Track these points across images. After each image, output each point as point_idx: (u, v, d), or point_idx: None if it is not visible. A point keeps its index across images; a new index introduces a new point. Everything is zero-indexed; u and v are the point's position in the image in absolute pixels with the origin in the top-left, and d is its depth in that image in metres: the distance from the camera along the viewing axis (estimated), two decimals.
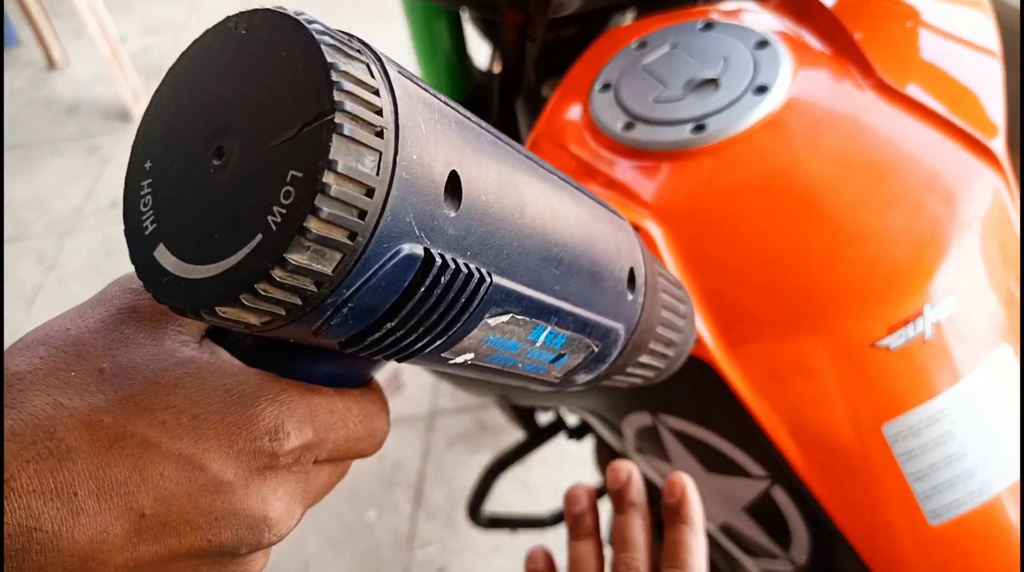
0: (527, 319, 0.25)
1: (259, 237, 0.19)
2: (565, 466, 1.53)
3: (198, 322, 0.26)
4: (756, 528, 0.52)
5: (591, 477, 1.26)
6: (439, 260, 0.21)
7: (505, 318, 0.24)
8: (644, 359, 0.33)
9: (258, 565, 0.27)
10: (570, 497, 0.42)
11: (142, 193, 0.22)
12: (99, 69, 2.53)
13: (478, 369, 0.27)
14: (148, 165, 0.22)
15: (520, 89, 0.72)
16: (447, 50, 0.84)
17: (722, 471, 0.51)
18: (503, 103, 0.73)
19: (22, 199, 2.21)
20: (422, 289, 0.21)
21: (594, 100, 0.56)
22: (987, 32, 0.57)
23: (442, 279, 0.21)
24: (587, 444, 1.18)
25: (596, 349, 0.30)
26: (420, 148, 0.20)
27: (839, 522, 0.47)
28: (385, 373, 1.72)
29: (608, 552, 0.42)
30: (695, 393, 0.48)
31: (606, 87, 0.56)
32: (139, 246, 0.22)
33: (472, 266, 0.22)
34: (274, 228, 0.19)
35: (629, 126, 0.53)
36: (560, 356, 0.29)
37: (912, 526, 0.46)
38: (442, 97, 0.23)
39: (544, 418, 0.98)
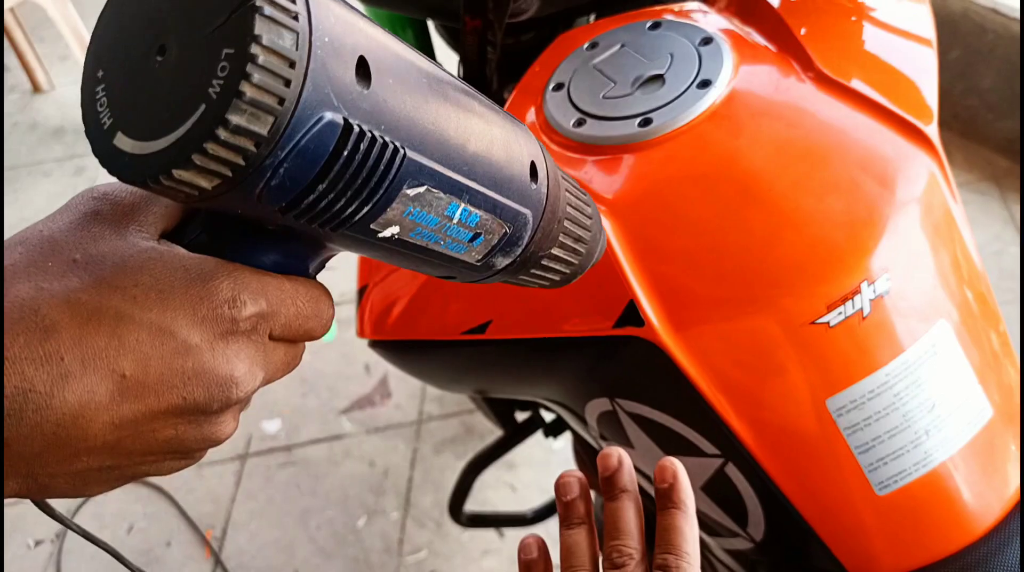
0: (442, 194, 0.29)
1: (203, 106, 0.23)
2: (551, 467, 1.55)
3: (156, 223, 0.30)
4: (714, 507, 0.54)
5: None
6: (356, 129, 0.25)
7: (422, 189, 0.28)
8: (556, 252, 0.38)
9: (228, 428, 0.30)
10: (561, 485, 0.42)
11: (97, 97, 0.26)
12: None
13: (406, 247, 0.31)
14: (100, 74, 0.26)
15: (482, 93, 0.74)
16: None
17: (679, 452, 0.53)
18: None
19: (10, 221, 2.23)
20: (345, 153, 0.25)
21: (548, 100, 0.58)
22: (924, 22, 0.59)
23: (361, 146, 0.25)
24: (572, 447, 1.19)
25: (508, 231, 0.34)
26: (331, 33, 0.24)
27: (791, 496, 0.49)
28: (373, 381, 1.74)
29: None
30: (647, 376, 0.50)
31: (559, 87, 0.58)
32: (100, 139, 0.25)
33: (387, 138, 0.26)
34: (215, 96, 0.23)
35: (580, 123, 0.55)
36: (477, 235, 0.33)
37: (861, 497, 0.48)
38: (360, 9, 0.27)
39: (521, 416, 0.99)
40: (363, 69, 0.25)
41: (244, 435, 1.68)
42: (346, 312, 1.85)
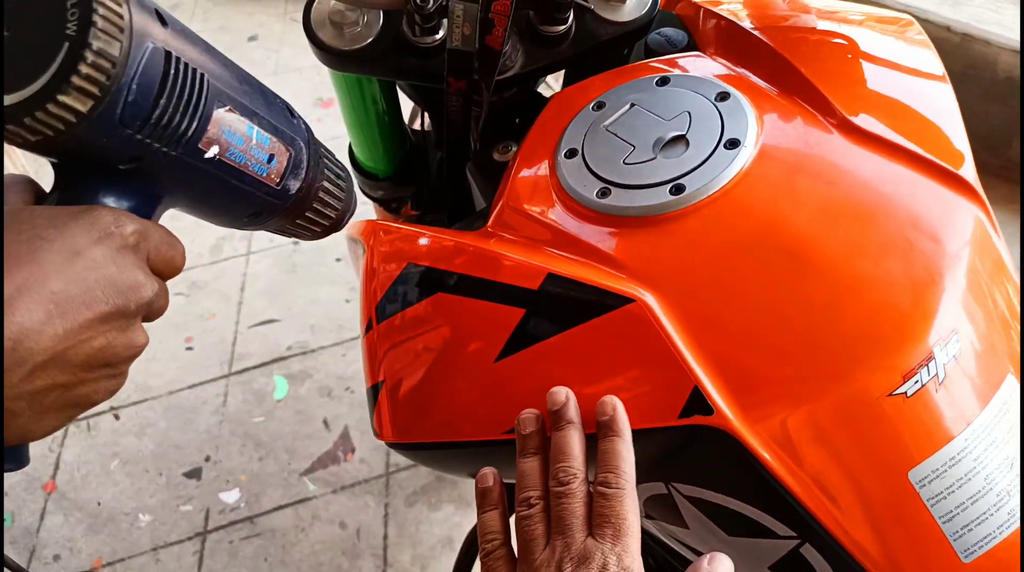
0: (239, 116, 0.39)
1: (67, 43, 0.32)
2: None
3: (29, 191, 0.38)
4: None
5: None
6: (174, 55, 0.36)
7: (225, 109, 0.38)
8: (327, 185, 0.48)
9: (143, 335, 0.37)
10: (521, 420, 0.47)
11: None
12: None
13: (225, 170, 0.40)
14: None
15: (467, 155, 0.69)
16: (380, 117, 0.81)
17: (745, 534, 0.50)
18: (452, 171, 0.71)
19: None
20: (172, 72, 0.35)
21: (561, 167, 0.54)
22: (930, 57, 0.58)
23: (180, 68, 0.36)
24: None
25: (292, 153, 0.44)
26: None
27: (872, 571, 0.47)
28: (334, 436, 1.66)
29: None
30: (715, 463, 0.47)
31: (571, 153, 0.54)
32: None
33: (194, 66, 0.37)
34: (74, 32, 0.32)
35: (604, 193, 0.51)
36: (271, 156, 0.42)
37: (946, 566, 0.46)
38: None
39: None
40: (160, 16, 0.36)
41: (201, 509, 1.58)
42: (297, 365, 1.77)
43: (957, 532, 0.46)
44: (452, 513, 1.54)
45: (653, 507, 0.54)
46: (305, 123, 0.47)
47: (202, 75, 0.37)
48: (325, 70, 0.69)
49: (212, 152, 0.38)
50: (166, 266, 0.38)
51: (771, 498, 0.46)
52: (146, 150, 0.36)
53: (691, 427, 0.45)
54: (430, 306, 0.53)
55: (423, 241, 0.57)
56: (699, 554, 0.56)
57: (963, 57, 1.79)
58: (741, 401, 0.45)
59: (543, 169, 0.56)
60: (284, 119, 0.44)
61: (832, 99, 0.52)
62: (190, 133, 0.37)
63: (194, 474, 1.64)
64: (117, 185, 0.38)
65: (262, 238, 2.06)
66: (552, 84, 0.91)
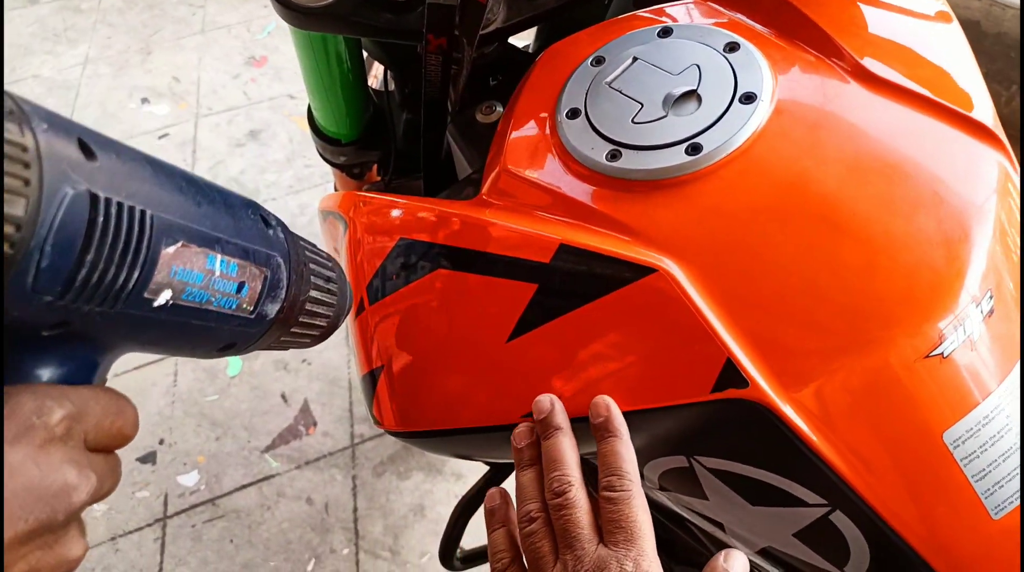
0: (197, 248, 0.33)
1: None
2: None
3: None
4: (807, 551, 0.50)
5: None
6: (102, 197, 0.28)
7: (178, 245, 0.32)
8: (314, 294, 0.41)
9: (78, 546, 0.30)
10: (516, 435, 0.46)
11: None
12: None
13: (183, 314, 0.33)
14: None
15: (446, 115, 0.65)
16: (345, 82, 0.75)
17: (770, 503, 0.48)
18: (430, 132, 0.66)
19: None
20: (100, 220, 0.28)
21: (564, 128, 0.51)
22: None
23: (111, 211, 0.28)
24: None
25: (267, 274, 0.37)
26: (47, 121, 0.27)
27: (906, 535, 0.46)
28: (294, 410, 1.61)
29: None
30: (745, 434, 0.45)
31: (574, 113, 0.51)
32: None
33: (131, 203, 0.29)
34: None
35: (614, 155, 0.48)
36: (242, 284, 0.36)
37: (977, 524, 0.45)
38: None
39: None
40: (85, 147, 0.29)
41: (158, 494, 1.52)
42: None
43: (989, 490, 0.45)
44: (422, 481, 1.52)
45: (669, 480, 0.52)
46: (283, 229, 0.40)
47: (143, 212, 0.30)
48: (255, 25, 0.63)
49: (163, 299, 0.32)
50: (112, 440, 0.32)
51: (804, 468, 0.45)
52: (73, 314, 0.29)
53: (724, 401, 0.43)
54: (429, 284, 0.50)
55: (415, 213, 0.53)
56: (715, 524, 0.55)
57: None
58: (775, 371, 0.43)
59: (542, 131, 0.52)
60: (256, 234, 0.37)
61: (842, 42, 0.49)
62: (131, 285, 0.30)
63: (148, 458, 1.58)
64: (44, 353, 0.31)
65: None
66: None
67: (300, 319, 0.41)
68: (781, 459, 0.45)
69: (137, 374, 1.68)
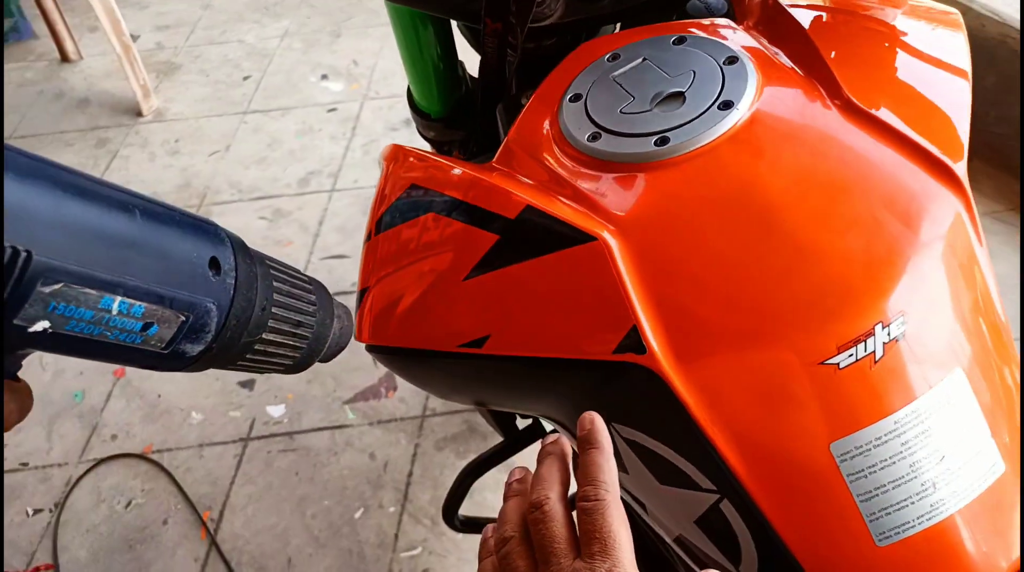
0: (88, 290, 0.33)
1: None
2: None
3: None
4: (707, 541, 0.52)
5: None
6: None
7: (58, 286, 0.32)
8: (270, 337, 0.42)
9: None
10: (509, 474, 0.48)
11: None
12: (111, 64, 2.55)
13: (69, 342, 0.34)
14: None
15: (500, 97, 0.72)
16: (434, 58, 0.84)
17: (674, 483, 0.51)
18: (484, 110, 0.73)
19: None
20: None
21: (564, 110, 0.56)
22: (960, 52, 0.57)
23: None
24: None
25: (187, 319, 0.37)
26: None
27: (787, 539, 0.47)
28: (380, 373, 1.73)
29: None
30: (646, 404, 0.48)
31: (576, 98, 0.56)
32: None
33: (10, 245, 0.29)
34: None
35: (595, 137, 0.53)
36: (148, 325, 0.36)
37: (860, 547, 0.46)
38: None
39: (523, 424, 0.97)
40: None
41: (248, 417, 1.68)
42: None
43: (874, 514, 0.46)
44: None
45: None
46: (244, 273, 0.40)
47: (14, 252, 0.30)
48: None
49: (40, 327, 0.32)
50: None
51: (694, 446, 0.47)
52: None
53: (624, 364, 0.47)
54: (420, 223, 0.57)
55: (429, 166, 0.60)
56: (640, 504, 0.58)
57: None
58: (676, 345, 0.46)
59: (549, 111, 0.58)
60: (190, 281, 0.37)
61: (839, 78, 0.52)
62: None
63: (247, 385, 1.74)
64: None
65: (347, 178, 2.14)
66: None
67: (249, 356, 0.42)
68: (676, 434, 0.48)
69: None
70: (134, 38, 2.61)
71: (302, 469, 1.59)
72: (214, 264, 0.38)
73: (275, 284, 0.42)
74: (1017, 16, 1.72)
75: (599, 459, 0.42)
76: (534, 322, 0.50)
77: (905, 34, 0.58)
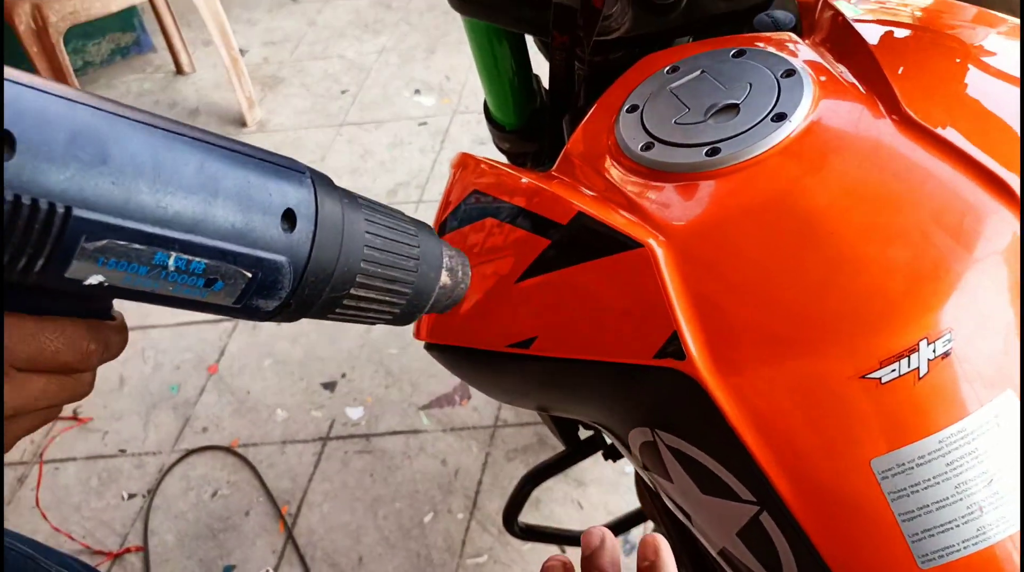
0: (139, 246, 0.31)
1: None
2: (620, 489, 1.53)
3: None
4: (749, 555, 0.52)
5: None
6: (9, 196, 0.28)
7: (103, 242, 0.31)
8: (360, 292, 0.39)
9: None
10: (547, 569, 0.44)
11: None
12: (220, 76, 2.71)
13: (131, 294, 0.33)
14: None
15: (568, 109, 0.74)
16: (509, 70, 0.87)
17: (716, 493, 0.51)
18: (552, 120, 0.75)
19: None
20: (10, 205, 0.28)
21: (620, 121, 0.57)
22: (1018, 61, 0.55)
23: (22, 205, 0.28)
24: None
25: (255, 276, 0.35)
26: None
27: (826, 557, 0.47)
28: (455, 381, 1.76)
29: None
30: (686, 411, 0.49)
31: (633, 108, 0.58)
32: None
33: (42, 200, 0.29)
34: None
35: (648, 147, 0.54)
36: (213, 280, 0.34)
37: (900, 567, 0.45)
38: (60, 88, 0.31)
39: (585, 434, 0.98)
40: (9, 141, 0.28)
41: (328, 417, 1.74)
42: None
43: (917, 535, 0.45)
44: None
45: (646, 456, 0.57)
46: (329, 225, 0.38)
47: (50, 210, 0.29)
48: None
49: (94, 280, 0.32)
50: (53, 367, 0.36)
51: (734, 456, 0.47)
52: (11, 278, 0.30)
53: (664, 370, 0.47)
54: (479, 227, 0.59)
55: (492, 173, 0.62)
56: (684, 514, 0.58)
57: None
58: (716, 355, 0.46)
59: (608, 121, 0.59)
60: (258, 235, 0.35)
61: (900, 92, 0.51)
62: (34, 269, 0.30)
63: (330, 386, 1.80)
64: (24, 290, 0.32)
65: (433, 190, 2.20)
66: None
67: (338, 310, 0.40)
68: (715, 443, 0.48)
69: None
70: (243, 52, 2.76)
71: (376, 471, 1.64)
72: (288, 216, 0.36)
73: (367, 234, 0.39)
74: None
75: None
76: (579, 325, 0.51)
77: (969, 46, 0.57)
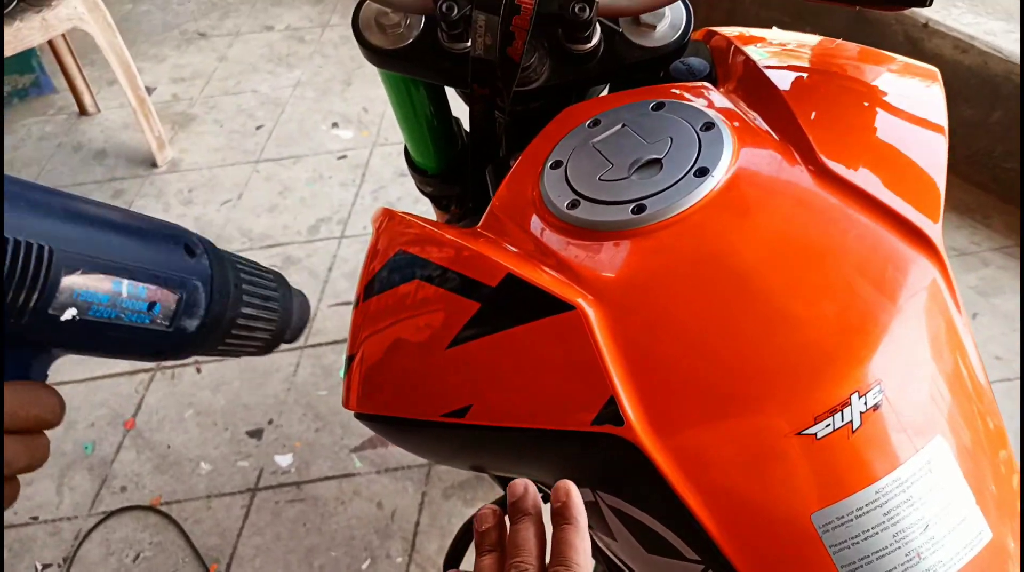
0: (101, 275, 0.39)
1: None
2: None
3: None
4: None
5: None
6: (10, 240, 0.36)
7: (79, 272, 0.38)
8: (247, 310, 0.48)
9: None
10: (479, 517, 0.47)
11: None
12: (128, 116, 2.61)
13: (93, 328, 0.40)
14: None
15: (490, 157, 0.73)
16: (427, 117, 0.86)
17: (660, 552, 0.51)
18: (474, 171, 0.74)
19: None
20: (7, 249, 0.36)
21: (545, 177, 0.57)
22: (937, 106, 0.57)
23: (10, 249, 0.36)
24: None
25: (182, 296, 0.44)
26: None
27: None
28: None
29: None
30: (627, 475, 0.48)
31: (557, 164, 0.57)
32: None
33: (32, 241, 0.37)
34: None
35: (574, 204, 0.54)
36: (153, 303, 0.42)
37: None
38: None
39: None
40: None
41: (256, 467, 1.68)
42: None
43: None
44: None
45: (588, 514, 0.56)
46: (211, 257, 0.46)
47: (42, 247, 0.37)
48: None
49: (68, 315, 0.39)
50: (28, 425, 0.39)
51: (677, 517, 0.47)
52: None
53: (604, 436, 0.47)
54: (406, 290, 0.57)
55: (417, 231, 0.61)
56: (629, 569, 0.58)
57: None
58: (654, 415, 0.46)
59: (532, 177, 0.59)
60: (175, 262, 0.44)
61: (814, 142, 0.52)
62: (31, 305, 0.37)
63: (256, 434, 1.74)
64: None
65: (356, 225, 2.17)
66: None
67: (233, 332, 0.47)
68: (658, 504, 0.48)
69: (266, 359, 1.87)
70: (150, 91, 2.67)
71: (310, 519, 1.59)
72: (188, 249, 0.45)
73: (238, 265, 0.49)
74: (1017, 51, 1.72)
75: (573, 537, 0.42)
76: (514, 392, 0.50)
77: (883, 92, 0.59)
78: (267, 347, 0.51)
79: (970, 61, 1.78)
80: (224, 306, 0.46)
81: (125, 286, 0.41)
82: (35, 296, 0.37)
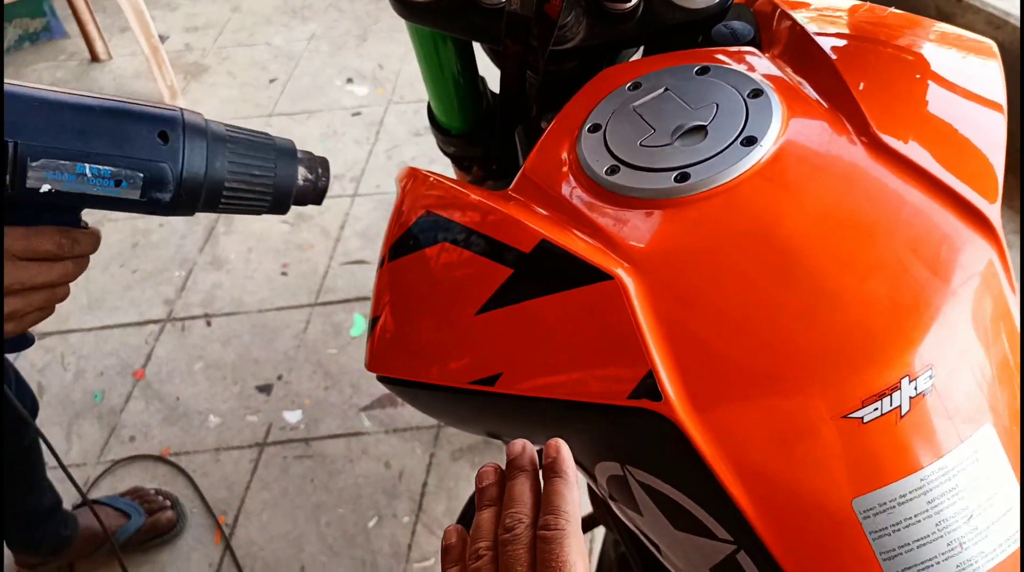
0: (64, 162, 0.49)
1: None
2: None
3: None
4: None
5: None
6: None
7: (40, 161, 0.48)
8: (234, 184, 0.56)
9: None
10: (480, 475, 0.47)
11: None
12: (140, 64, 2.57)
13: (70, 196, 0.50)
14: None
15: (520, 118, 0.71)
16: (454, 74, 0.83)
17: (689, 530, 0.49)
18: (503, 132, 0.72)
19: None
20: None
21: (582, 140, 0.55)
22: (995, 82, 0.55)
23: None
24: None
25: (147, 174, 0.52)
26: None
27: None
28: None
29: None
30: (662, 451, 0.47)
31: (595, 127, 0.55)
32: None
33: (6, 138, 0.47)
34: None
35: (613, 170, 0.52)
36: (119, 180, 0.51)
37: None
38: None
39: None
40: None
41: (264, 422, 1.68)
42: None
43: None
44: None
45: (612, 487, 0.55)
46: (188, 138, 0.53)
47: (7, 142, 0.47)
48: None
49: (46, 188, 0.49)
50: (39, 254, 0.53)
51: (711, 496, 0.46)
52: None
53: (639, 410, 0.45)
54: (434, 253, 0.55)
55: (446, 193, 0.59)
56: (653, 544, 0.57)
57: None
58: (692, 390, 0.44)
59: (568, 140, 0.56)
60: (139, 148, 0.52)
61: (868, 114, 0.50)
62: (9, 184, 0.48)
63: (265, 389, 1.74)
64: (18, 207, 0.52)
65: (369, 183, 2.14)
66: None
67: (223, 201, 0.56)
68: (692, 482, 0.47)
69: (276, 315, 1.86)
70: (163, 39, 2.63)
71: (317, 476, 1.59)
72: (162, 136, 0.52)
73: (229, 145, 0.56)
74: None
75: (562, 488, 0.43)
76: (547, 362, 0.48)
77: (936, 64, 0.56)
78: (274, 208, 0.59)
79: (1003, 38, 1.73)
80: (199, 183, 0.54)
81: (88, 168, 0.50)
82: (8, 178, 0.48)
